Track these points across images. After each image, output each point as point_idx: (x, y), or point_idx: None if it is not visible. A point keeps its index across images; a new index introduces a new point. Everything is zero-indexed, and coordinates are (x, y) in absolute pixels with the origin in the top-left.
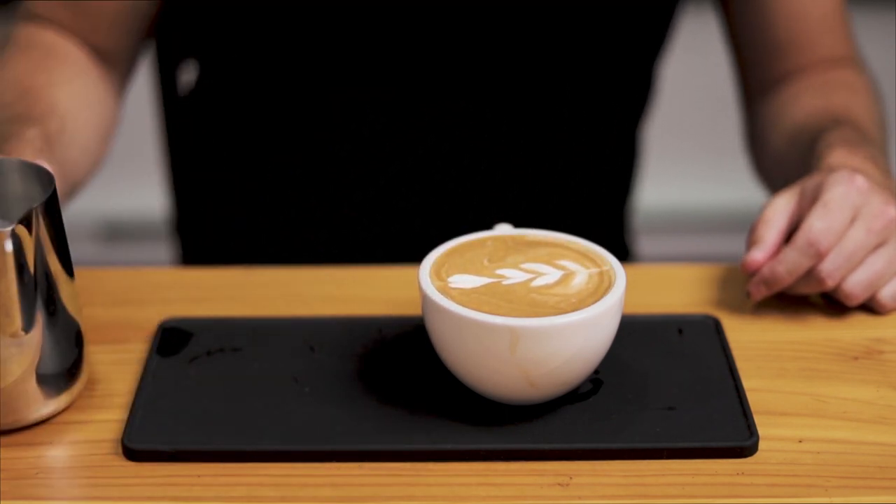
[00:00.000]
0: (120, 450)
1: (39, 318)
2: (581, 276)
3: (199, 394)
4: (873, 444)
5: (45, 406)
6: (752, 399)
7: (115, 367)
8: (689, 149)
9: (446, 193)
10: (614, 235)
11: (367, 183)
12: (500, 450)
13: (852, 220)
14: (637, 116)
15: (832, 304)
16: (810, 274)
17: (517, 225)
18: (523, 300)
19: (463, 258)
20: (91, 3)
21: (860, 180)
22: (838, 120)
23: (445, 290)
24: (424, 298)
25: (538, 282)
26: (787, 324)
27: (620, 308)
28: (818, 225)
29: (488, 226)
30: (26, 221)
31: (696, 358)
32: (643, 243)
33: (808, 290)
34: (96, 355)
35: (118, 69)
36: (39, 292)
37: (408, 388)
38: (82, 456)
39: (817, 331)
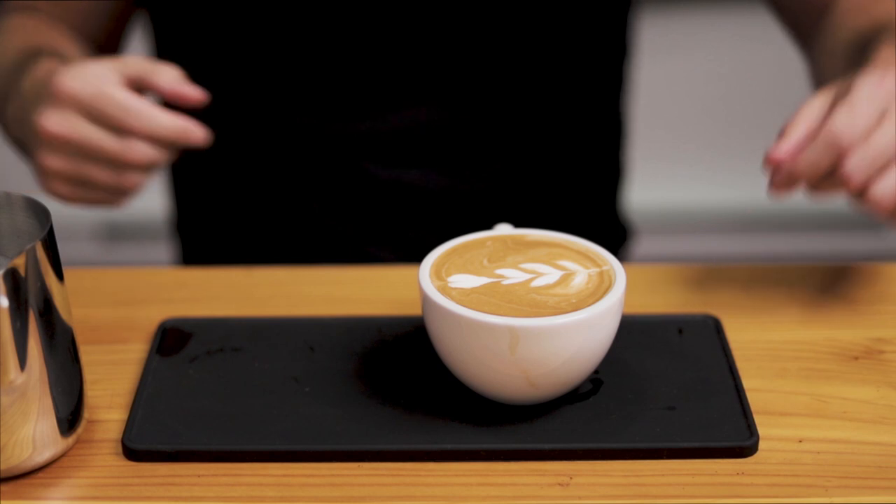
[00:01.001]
0: (120, 450)
1: (37, 363)
2: (581, 277)
3: (199, 394)
4: (873, 444)
5: (44, 453)
6: (752, 399)
7: (115, 367)
8: (689, 149)
9: (446, 193)
10: (611, 223)
11: (366, 183)
12: (500, 450)
13: (879, 121)
14: (617, 88)
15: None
16: (834, 174)
17: (517, 225)
18: (523, 300)
19: (463, 258)
20: None
21: (890, 81)
22: (885, 26)
23: (445, 290)
24: (424, 298)
25: (538, 282)
26: (787, 324)
27: (620, 308)
28: (841, 120)
29: (488, 226)
30: (23, 260)
31: (696, 358)
32: (643, 243)
33: (833, 189)
34: (96, 355)
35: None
36: (37, 336)
37: (408, 388)
38: (82, 456)
39: (817, 331)
